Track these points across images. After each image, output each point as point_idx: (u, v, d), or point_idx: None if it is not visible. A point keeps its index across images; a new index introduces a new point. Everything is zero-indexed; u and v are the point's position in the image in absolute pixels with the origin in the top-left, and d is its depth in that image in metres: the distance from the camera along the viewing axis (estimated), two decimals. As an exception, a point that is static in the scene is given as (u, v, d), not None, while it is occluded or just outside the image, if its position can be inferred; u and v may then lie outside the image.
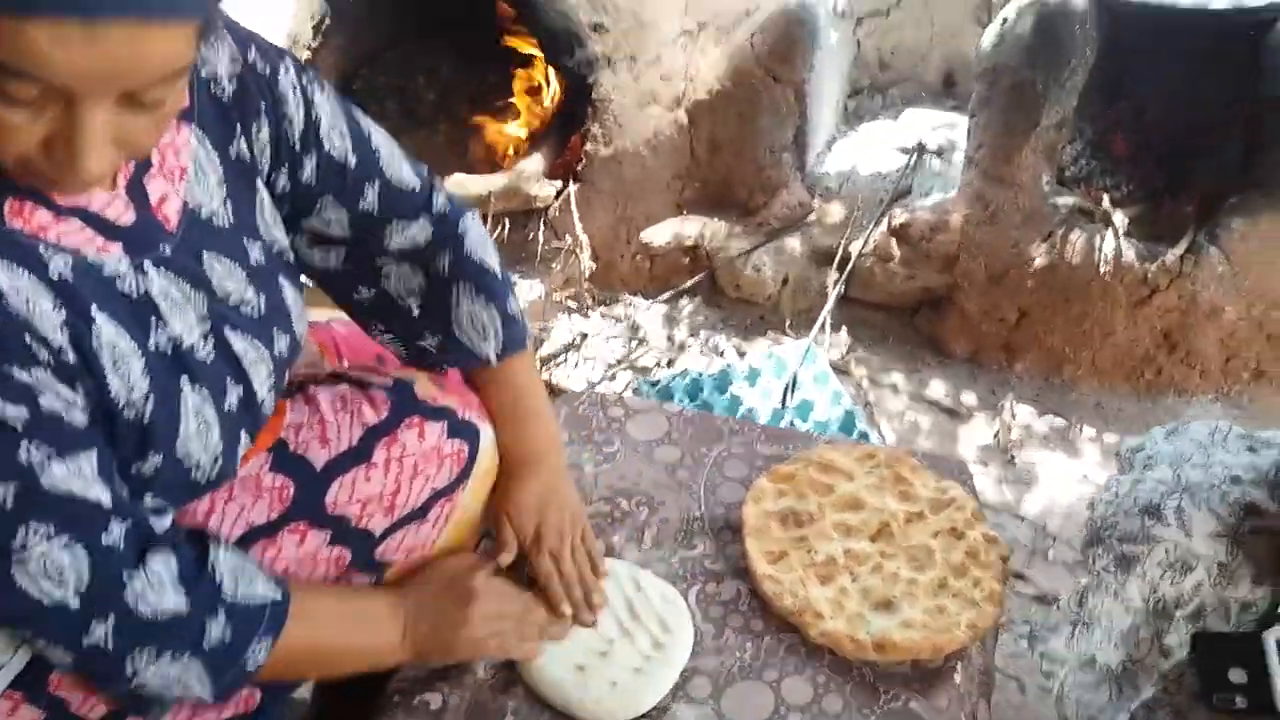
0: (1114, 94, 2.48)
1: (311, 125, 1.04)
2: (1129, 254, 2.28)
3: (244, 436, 0.99)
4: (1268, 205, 2.25)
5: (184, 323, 0.93)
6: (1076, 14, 2.29)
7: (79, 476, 0.84)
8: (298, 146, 1.04)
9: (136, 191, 0.91)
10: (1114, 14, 2.31)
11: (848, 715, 1.10)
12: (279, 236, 1.07)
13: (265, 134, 1.01)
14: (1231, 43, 2.27)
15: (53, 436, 0.82)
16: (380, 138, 1.13)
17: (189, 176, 0.95)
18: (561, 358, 2.44)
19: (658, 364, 2.42)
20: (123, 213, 0.89)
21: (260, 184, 1.03)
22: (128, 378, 0.87)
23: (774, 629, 1.20)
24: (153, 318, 0.90)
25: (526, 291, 2.49)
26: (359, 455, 1.08)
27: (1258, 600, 1.17)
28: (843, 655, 1.16)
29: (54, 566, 0.83)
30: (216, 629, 0.93)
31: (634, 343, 2.50)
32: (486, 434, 1.18)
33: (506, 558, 1.17)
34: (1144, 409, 2.29)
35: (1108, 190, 2.43)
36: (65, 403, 0.83)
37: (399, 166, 1.14)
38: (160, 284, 0.92)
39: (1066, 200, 2.39)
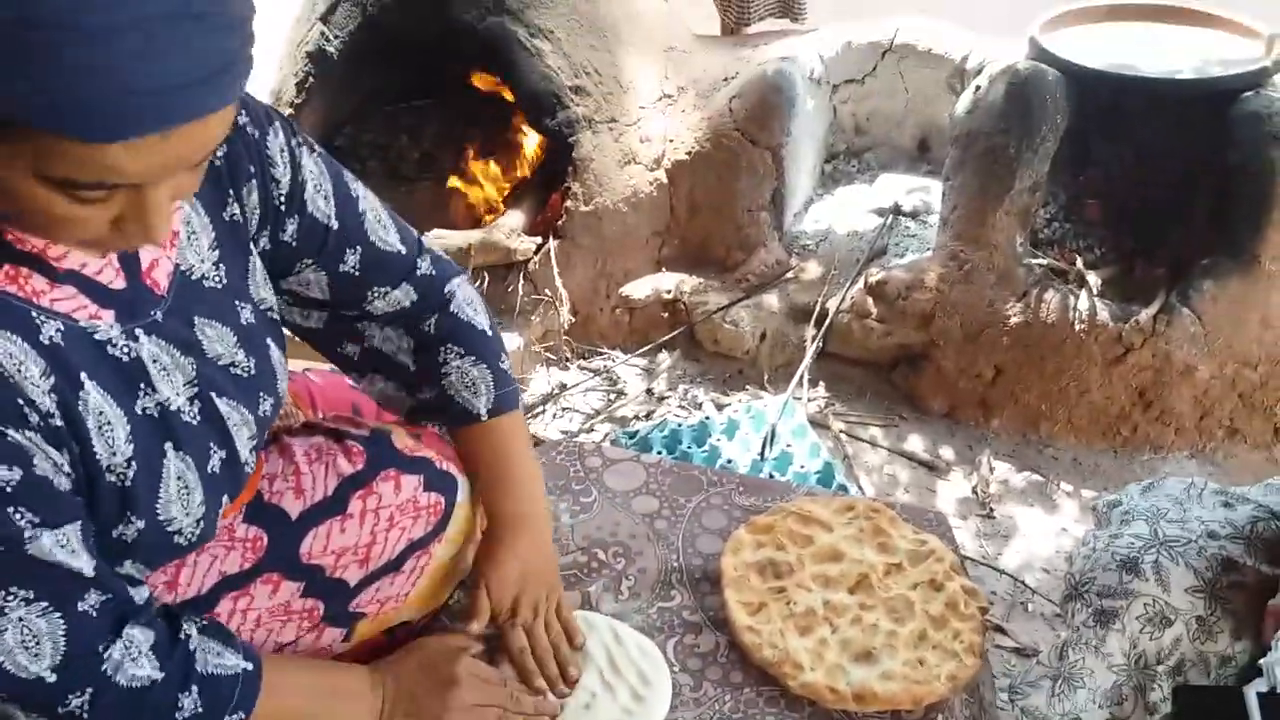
0: (1085, 159, 2.54)
1: (297, 187, 1.05)
2: (1103, 314, 2.31)
3: (225, 498, 0.99)
4: (1236, 268, 2.29)
5: (171, 387, 0.93)
6: (1048, 82, 2.35)
7: (64, 546, 0.83)
8: (283, 208, 1.04)
9: (128, 257, 0.91)
10: (1084, 82, 2.37)
11: (828, 767, 1.09)
12: (268, 296, 1.07)
13: (255, 196, 1.01)
14: (1198, 111, 2.34)
15: (42, 502, 0.82)
16: (368, 203, 1.13)
17: (180, 240, 0.96)
18: (540, 409, 2.44)
19: (636, 416, 2.41)
20: (114, 279, 0.89)
21: (252, 246, 1.04)
22: (111, 443, 0.87)
23: (753, 681, 1.19)
24: (141, 383, 0.91)
25: (506, 343, 2.48)
26: (334, 506, 1.07)
27: (1237, 654, 1.17)
28: (823, 706, 1.15)
29: (30, 635, 0.82)
30: (189, 702, 0.91)
31: (612, 395, 2.50)
32: (464, 486, 1.17)
33: (477, 627, 1.14)
34: (1120, 465, 2.31)
35: (1080, 253, 2.47)
36: (54, 466, 0.83)
37: (385, 232, 1.13)
38: (150, 349, 0.92)
39: (1040, 261, 2.43)
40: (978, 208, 2.39)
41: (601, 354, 2.65)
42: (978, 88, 2.45)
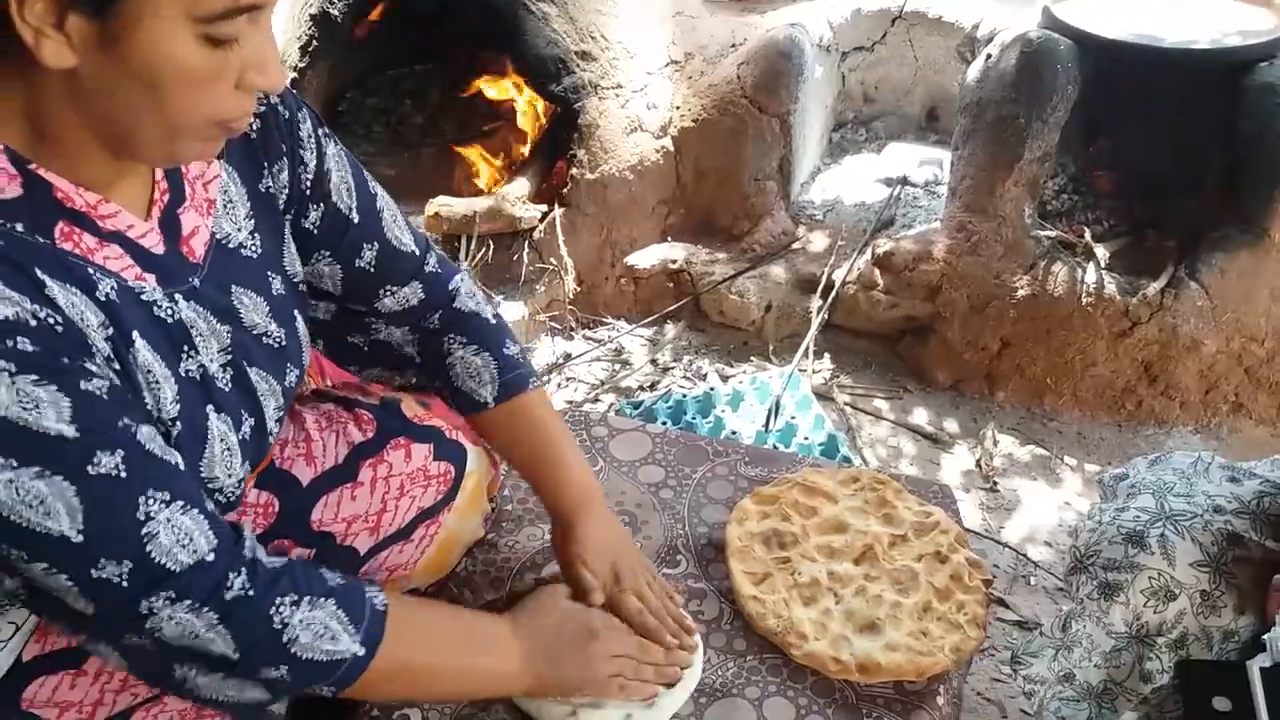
0: (1096, 130, 2.51)
1: (323, 174, 1.05)
2: (1110, 287, 2.30)
3: (248, 465, 0.99)
4: (1246, 241, 2.28)
5: (207, 353, 0.94)
6: (1060, 51, 2.32)
7: (158, 442, 0.85)
8: (308, 192, 1.05)
9: (169, 223, 0.92)
10: (1097, 52, 2.34)
11: (830, 736, 1.09)
12: (298, 269, 1.08)
13: (285, 176, 1.02)
14: (1211, 82, 2.31)
15: (133, 407, 0.84)
16: (384, 200, 1.14)
17: (217, 209, 0.96)
18: (544, 378, 2.43)
19: (640, 387, 2.41)
20: (156, 244, 0.90)
21: (284, 219, 1.05)
22: (159, 400, 0.88)
23: (756, 649, 1.20)
24: (184, 345, 0.91)
25: (510, 312, 2.48)
26: (345, 474, 1.08)
27: (1240, 629, 1.16)
28: (826, 676, 1.15)
29: (183, 533, 0.83)
30: (330, 574, 0.94)
31: (617, 365, 2.50)
32: (473, 456, 1.17)
33: (599, 597, 1.14)
34: (1124, 439, 2.30)
35: (1089, 224, 2.46)
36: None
37: (400, 230, 1.14)
38: (188, 314, 0.92)
39: (1048, 233, 2.41)
40: (986, 178, 2.37)
41: (606, 324, 2.64)
42: (989, 56, 2.42)
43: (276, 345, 1.01)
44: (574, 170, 2.64)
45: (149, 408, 0.87)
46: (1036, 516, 2.10)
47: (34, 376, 0.76)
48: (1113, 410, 2.36)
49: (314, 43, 2.80)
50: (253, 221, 1.00)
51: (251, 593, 0.87)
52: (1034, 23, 2.44)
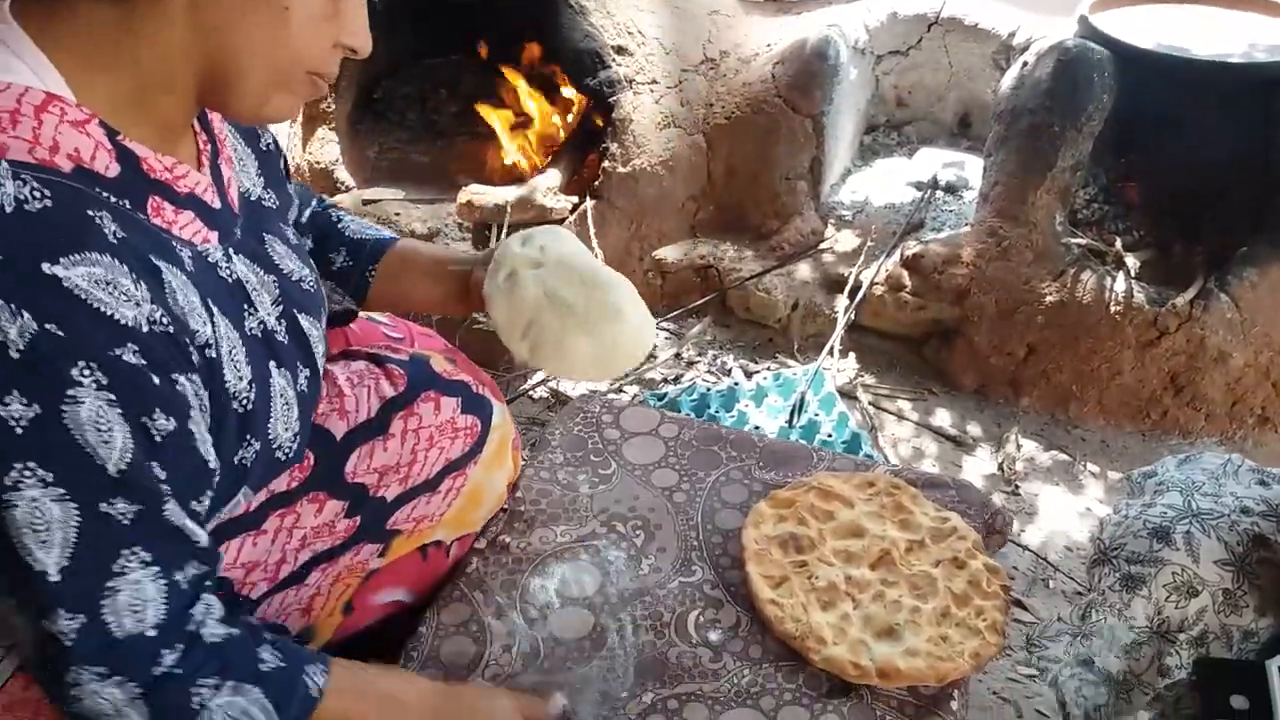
0: (1129, 141, 2.51)
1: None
2: (1139, 296, 2.29)
3: (304, 419, 1.01)
4: (1276, 255, 2.27)
5: (264, 308, 0.96)
6: (1096, 60, 2.33)
7: (193, 516, 0.85)
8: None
9: (215, 175, 0.94)
10: (1132, 62, 2.34)
11: (845, 739, 1.09)
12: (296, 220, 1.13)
13: (269, 138, 1.08)
14: (1246, 95, 2.30)
15: (186, 462, 0.83)
16: None
17: (235, 165, 0.99)
18: (570, 369, 2.45)
19: (664, 380, 2.42)
20: (213, 198, 0.91)
21: (284, 174, 1.11)
22: (238, 368, 0.89)
23: (772, 656, 1.18)
24: (245, 303, 0.93)
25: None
26: (377, 427, 1.10)
27: (1260, 630, 1.17)
28: (845, 681, 1.15)
29: (139, 599, 0.82)
30: (269, 655, 0.91)
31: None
32: (498, 411, 1.20)
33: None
34: (1148, 448, 2.30)
35: (1119, 234, 2.45)
36: (200, 411, 0.84)
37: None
38: (241, 269, 0.94)
39: (1079, 241, 2.41)
40: (1018, 185, 2.37)
41: (632, 316, 2.65)
42: (1025, 64, 2.43)
43: (311, 289, 1.05)
44: (606, 163, 2.66)
45: (229, 384, 0.87)
46: (1057, 521, 2.10)
47: (112, 397, 0.76)
48: (1137, 419, 2.35)
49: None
50: (262, 178, 1.04)
51: (179, 671, 0.85)
52: (1071, 32, 2.44)
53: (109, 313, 0.75)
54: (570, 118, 2.88)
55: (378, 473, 1.10)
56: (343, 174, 2.81)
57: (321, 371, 1.03)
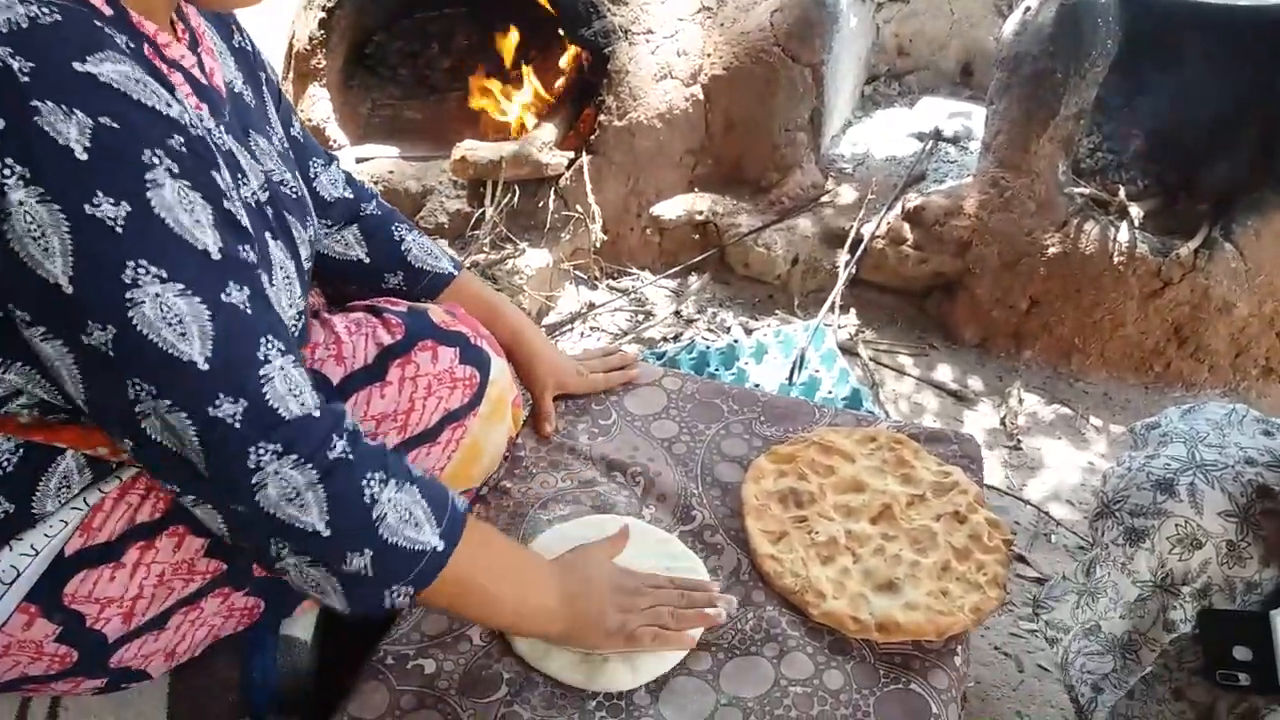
0: (1133, 88, 2.46)
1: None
2: (1142, 247, 2.27)
3: (301, 302, 1.02)
4: (1283, 203, 2.24)
5: (255, 185, 0.97)
6: (1100, 5, 2.28)
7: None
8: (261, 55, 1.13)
9: (201, 61, 0.95)
10: (1136, 7, 2.29)
11: (848, 693, 1.08)
12: (281, 131, 1.12)
13: (249, 40, 1.10)
14: (1251, 39, 2.25)
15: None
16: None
17: (216, 55, 1.00)
18: (568, 326, 2.43)
19: (664, 338, 2.40)
20: (199, 76, 0.93)
21: (263, 76, 1.11)
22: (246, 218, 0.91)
23: (775, 601, 1.18)
24: (238, 173, 0.93)
25: (535, 260, 2.47)
26: (374, 374, 1.10)
27: (1264, 581, 1.16)
28: (844, 635, 1.14)
29: (295, 382, 0.84)
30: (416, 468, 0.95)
31: (640, 315, 2.49)
32: (497, 365, 1.19)
33: (548, 428, 1.35)
34: (1151, 401, 2.29)
35: (1123, 184, 2.42)
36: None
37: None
38: (234, 146, 0.95)
39: (1082, 191, 2.37)
40: (1021, 133, 2.33)
41: (630, 274, 2.63)
42: (1027, 9, 2.38)
43: (294, 195, 1.05)
44: (602, 117, 2.62)
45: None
46: (1059, 475, 2.09)
47: (187, 183, 0.77)
48: (1140, 371, 2.34)
49: (343, -17, 2.78)
50: (240, 74, 1.04)
51: (351, 457, 0.86)
52: (1075, -25, 2.38)
53: (151, 104, 0.78)
54: (564, 62, 2.83)
55: (375, 420, 1.09)
56: (335, 131, 2.77)
57: (306, 271, 1.02)
